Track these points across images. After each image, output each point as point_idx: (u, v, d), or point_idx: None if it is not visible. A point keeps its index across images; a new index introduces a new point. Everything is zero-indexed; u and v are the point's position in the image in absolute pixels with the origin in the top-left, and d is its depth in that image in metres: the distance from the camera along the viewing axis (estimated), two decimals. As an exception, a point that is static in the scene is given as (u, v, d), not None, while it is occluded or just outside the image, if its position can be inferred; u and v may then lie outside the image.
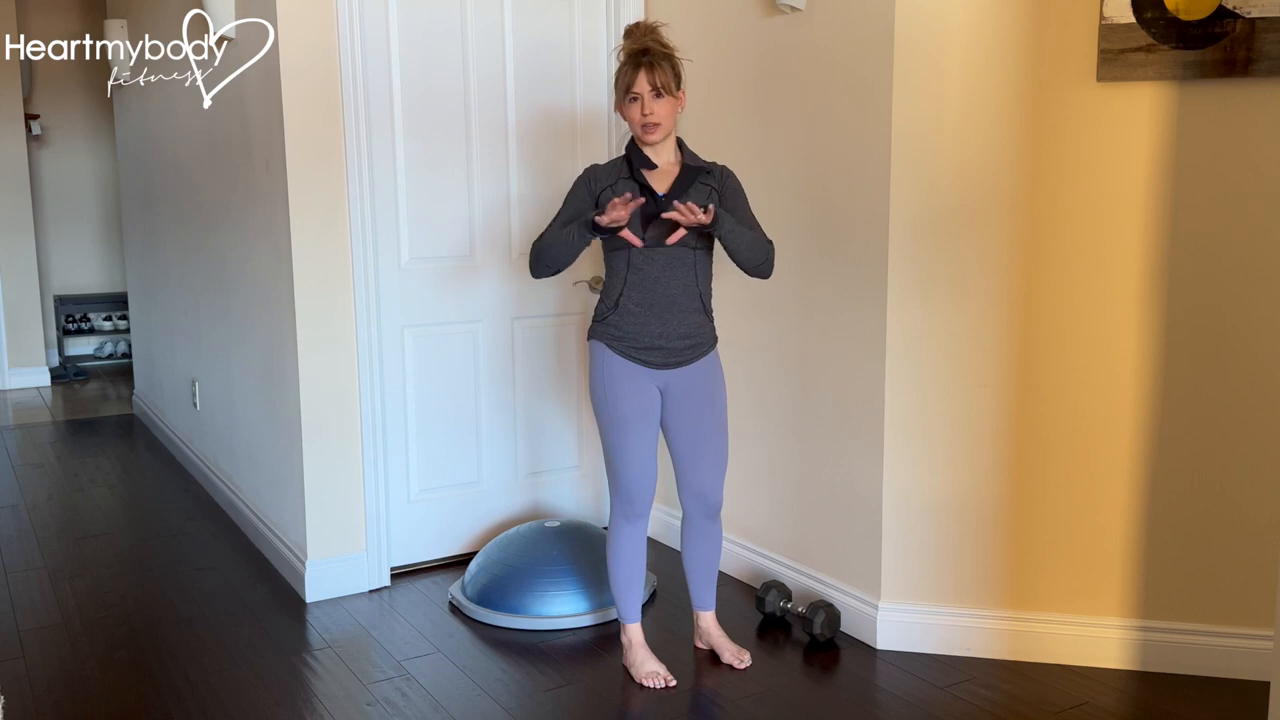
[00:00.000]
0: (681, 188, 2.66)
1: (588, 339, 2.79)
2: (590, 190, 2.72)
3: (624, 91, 2.62)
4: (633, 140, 2.70)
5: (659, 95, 2.59)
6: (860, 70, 2.91)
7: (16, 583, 3.57)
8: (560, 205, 2.79)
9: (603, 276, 2.82)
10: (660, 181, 2.68)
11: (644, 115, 2.60)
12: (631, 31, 2.66)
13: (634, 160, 2.68)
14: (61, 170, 7.70)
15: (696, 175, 2.69)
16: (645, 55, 2.59)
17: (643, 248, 2.64)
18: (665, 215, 2.55)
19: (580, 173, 2.78)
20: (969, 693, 2.74)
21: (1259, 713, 2.57)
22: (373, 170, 3.39)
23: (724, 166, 2.78)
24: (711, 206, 2.54)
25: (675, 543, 3.68)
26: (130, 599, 3.42)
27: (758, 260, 2.69)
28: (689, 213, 2.50)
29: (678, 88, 2.63)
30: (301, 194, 3.25)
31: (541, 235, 2.74)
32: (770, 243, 2.73)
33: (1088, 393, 2.79)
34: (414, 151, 3.49)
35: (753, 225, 2.74)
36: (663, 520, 3.82)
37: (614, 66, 2.68)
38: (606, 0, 3.75)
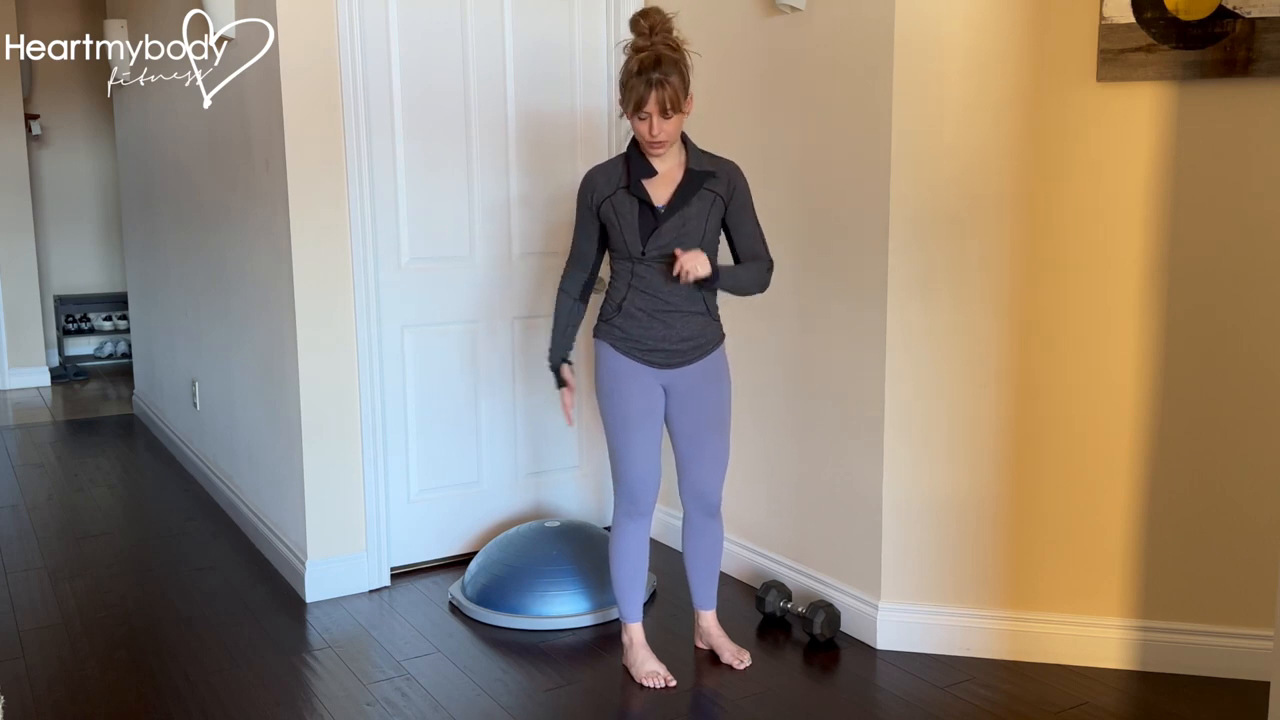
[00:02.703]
0: (683, 196, 2.62)
1: (593, 337, 2.79)
2: (589, 205, 2.70)
3: (633, 105, 2.52)
4: (634, 141, 2.66)
5: (667, 115, 2.52)
6: (860, 70, 2.91)
7: (16, 583, 3.57)
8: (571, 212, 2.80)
9: (606, 279, 2.82)
10: (661, 188, 2.64)
11: (652, 135, 2.55)
12: (639, 27, 2.54)
13: (634, 168, 2.64)
14: (61, 170, 7.69)
15: (700, 181, 2.63)
16: (657, 70, 2.47)
17: (643, 256, 2.64)
18: (675, 272, 2.56)
19: (581, 176, 2.75)
20: (969, 693, 2.74)
21: (1259, 713, 2.57)
22: (373, 170, 3.39)
23: (732, 164, 2.71)
24: (708, 268, 2.56)
25: (675, 543, 3.67)
26: (130, 599, 3.42)
27: (755, 291, 2.75)
28: (686, 276, 2.54)
29: (685, 96, 2.54)
30: (301, 194, 3.25)
31: (560, 287, 2.83)
32: (770, 265, 2.74)
33: (1087, 393, 2.79)
34: (414, 151, 3.49)
35: (755, 234, 2.73)
36: (663, 520, 3.82)
37: (615, 66, 2.65)
38: (606, 0, 3.76)
